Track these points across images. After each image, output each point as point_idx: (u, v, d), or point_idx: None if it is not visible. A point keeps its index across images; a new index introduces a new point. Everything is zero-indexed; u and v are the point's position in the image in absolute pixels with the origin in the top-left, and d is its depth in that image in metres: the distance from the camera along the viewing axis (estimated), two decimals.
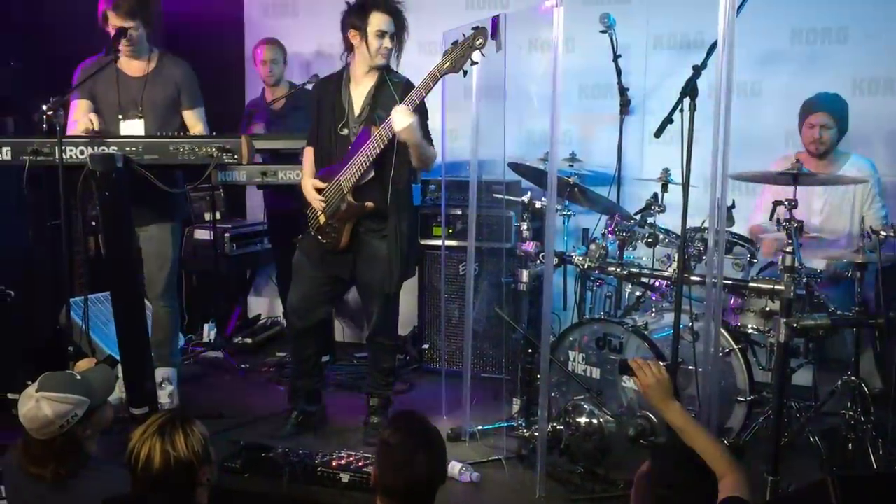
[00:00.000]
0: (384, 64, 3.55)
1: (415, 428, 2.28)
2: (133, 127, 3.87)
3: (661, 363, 2.63)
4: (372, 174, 3.48)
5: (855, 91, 4.39)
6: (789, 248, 2.98)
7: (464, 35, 3.26)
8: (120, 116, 3.88)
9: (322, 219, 3.61)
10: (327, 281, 3.74)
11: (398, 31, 3.53)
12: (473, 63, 3.26)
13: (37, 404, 2.41)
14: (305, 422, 3.88)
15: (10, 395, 3.85)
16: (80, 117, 3.89)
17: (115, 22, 3.73)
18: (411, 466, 2.15)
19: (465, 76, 3.31)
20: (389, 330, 3.84)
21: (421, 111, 3.46)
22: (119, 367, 3.29)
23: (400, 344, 4.09)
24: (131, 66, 3.93)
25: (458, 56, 3.24)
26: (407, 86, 3.51)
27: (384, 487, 2.20)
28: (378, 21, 3.46)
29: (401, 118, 3.31)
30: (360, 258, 3.64)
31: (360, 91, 3.60)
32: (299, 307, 3.77)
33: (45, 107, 3.24)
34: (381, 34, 3.48)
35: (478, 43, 3.21)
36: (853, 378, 3.46)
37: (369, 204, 3.50)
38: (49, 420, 2.40)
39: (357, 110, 3.58)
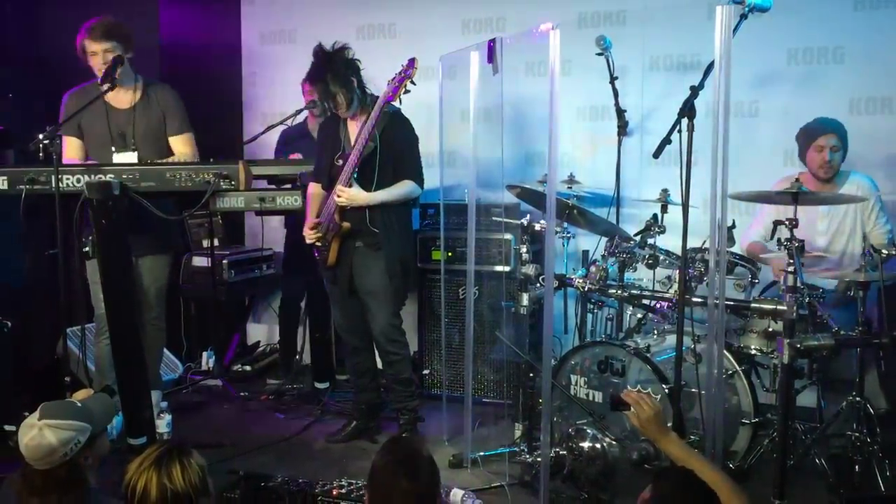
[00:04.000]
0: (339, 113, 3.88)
1: (403, 453, 2.26)
2: (126, 159, 3.86)
3: (664, 388, 2.61)
4: None
5: (852, 110, 4.39)
6: (791, 268, 2.97)
7: (402, 66, 3.63)
8: (113, 149, 3.89)
9: (320, 237, 3.94)
10: (351, 296, 3.99)
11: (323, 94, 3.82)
12: (406, 91, 3.64)
13: (40, 432, 2.37)
14: (360, 434, 4.12)
15: (6, 427, 3.81)
16: (73, 156, 3.90)
17: (92, 48, 3.76)
18: (394, 493, 2.12)
19: (400, 103, 3.70)
20: (395, 339, 3.97)
21: (401, 139, 3.84)
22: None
23: (409, 356, 4.09)
24: (118, 98, 3.93)
25: (394, 86, 3.63)
26: (395, 115, 3.81)
27: None
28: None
29: (339, 201, 3.76)
30: (357, 270, 3.93)
31: (355, 125, 3.86)
32: (343, 325, 4.13)
33: (41, 136, 3.23)
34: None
35: (409, 72, 3.61)
36: (858, 399, 3.43)
37: (345, 224, 3.83)
38: (53, 448, 2.37)
39: (352, 141, 3.84)
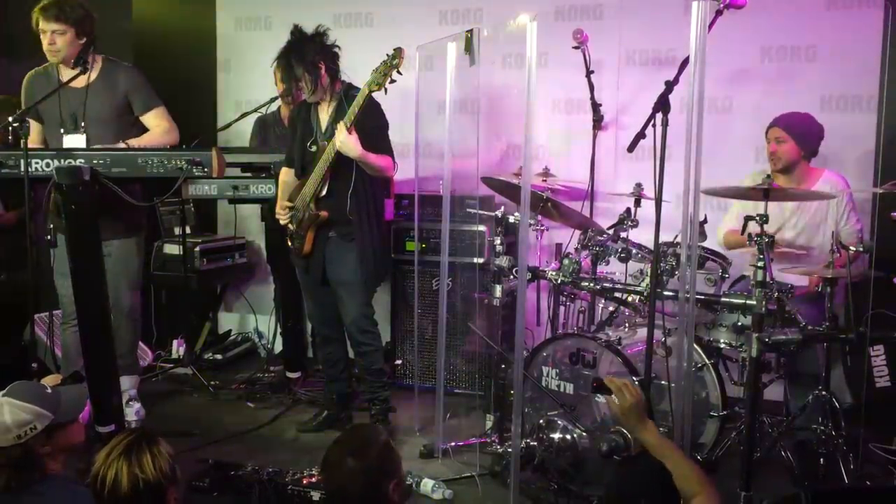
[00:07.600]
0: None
1: (356, 436, 2.29)
2: (74, 142, 3.75)
3: (634, 381, 2.61)
4: (327, 186, 3.79)
5: (824, 108, 4.44)
6: (760, 263, 3.00)
7: (387, 55, 3.57)
8: (62, 130, 3.80)
9: (291, 227, 3.94)
10: (323, 286, 3.96)
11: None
12: (392, 81, 3.58)
13: None
14: (331, 424, 4.12)
15: None
16: (33, 140, 3.82)
17: (41, 27, 3.69)
18: (336, 469, 2.13)
19: (385, 93, 3.61)
20: (367, 330, 3.96)
21: (374, 124, 3.76)
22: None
23: (381, 347, 4.08)
24: (76, 79, 3.84)
25: (380, 75, 3.57)
26: (365, 100, 3.71)
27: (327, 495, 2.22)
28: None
29: (337, 136, 3.64)
30: (329, 261, 3.90)
31: (325, 110, 3.86)
32: (315, 315, 4.17)
33: (10, 118, 3.18)
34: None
35: (395, 62, 3.55)
36: (824, 393, 3.48)
37: (323, 213, 3.81)
38: (7, 427, 2.33)
39: (323, 128, 3.84)
